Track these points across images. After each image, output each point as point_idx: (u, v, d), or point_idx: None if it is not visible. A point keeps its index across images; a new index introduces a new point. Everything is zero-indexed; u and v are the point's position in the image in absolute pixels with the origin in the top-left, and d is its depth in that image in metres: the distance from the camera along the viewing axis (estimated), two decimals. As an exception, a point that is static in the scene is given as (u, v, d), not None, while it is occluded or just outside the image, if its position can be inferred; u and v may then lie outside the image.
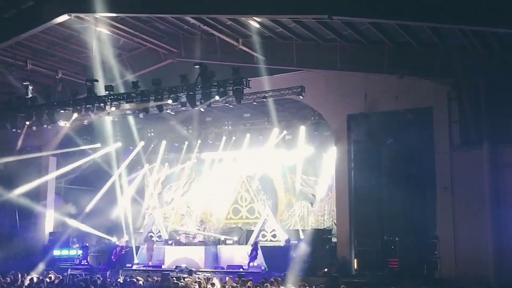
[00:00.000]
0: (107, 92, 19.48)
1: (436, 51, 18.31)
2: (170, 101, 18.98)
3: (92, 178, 27.41)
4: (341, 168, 20.79)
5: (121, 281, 17.48)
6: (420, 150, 19.55)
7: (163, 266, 23.33)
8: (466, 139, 18.37)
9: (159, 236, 26.54)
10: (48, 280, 17.36)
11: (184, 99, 19.22)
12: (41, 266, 21.97)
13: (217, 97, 18.60)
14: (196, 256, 23.31)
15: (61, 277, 18.26)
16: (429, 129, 19.13)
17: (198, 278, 17.93)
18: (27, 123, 21.71)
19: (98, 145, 26.32)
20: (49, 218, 25.89)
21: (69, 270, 20.78)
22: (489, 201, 17.64)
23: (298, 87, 19.86)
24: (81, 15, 18.96)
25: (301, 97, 20.03)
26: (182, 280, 16.81)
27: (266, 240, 24.29)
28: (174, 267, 22.27)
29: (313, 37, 19.38)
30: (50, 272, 19.45)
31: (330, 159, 24.27)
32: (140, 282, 16.49)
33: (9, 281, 17.51)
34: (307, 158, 24.92)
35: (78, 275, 19.84)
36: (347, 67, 19.79)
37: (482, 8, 14.39)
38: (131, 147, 27.18)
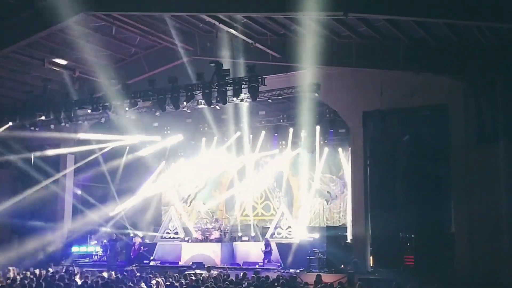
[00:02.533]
0: (124, 90, 19.72)
1: (452, 48, 18.20)
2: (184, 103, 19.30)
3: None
4: (357, 165, 20.76)
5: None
6: (436, 147, 19.46)
7: (179, 263, 23.52)
8: (482, 136, 18.25)
9: (176, 233, 26.71)
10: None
11: (200, 97, 19.39)
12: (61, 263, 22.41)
13: (234, 99, 18.79)
14: (212, 252, 23.46)
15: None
16: (445, 126, 19.04)
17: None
18: (45, 121, 22.03)
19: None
20: (67, 215, 26.16)
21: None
22: (505, 198, 17.54)
23: (314, 85, 19.90)
24: (97, 13, 19.13)
25: (316, 94, 20.07)
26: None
27: (282, 237, 24.35)
28: (191, 263, 22.45)
29: (328, 34, 19.37)
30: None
31: (345, 156, 24.32)
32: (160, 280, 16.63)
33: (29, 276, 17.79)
34: (322, 155, 24.93)
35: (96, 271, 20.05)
36: (362, 64, 19.76)
37: (499, 4, 14.30)
38: (148, 145, 27.35)
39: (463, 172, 18.50)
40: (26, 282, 15.24)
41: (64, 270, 19.87)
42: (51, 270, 19.64)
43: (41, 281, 16.05)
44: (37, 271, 18.59)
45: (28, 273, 18.27)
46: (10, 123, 22.94)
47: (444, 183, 19.12)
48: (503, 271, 17.11)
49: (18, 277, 17.06)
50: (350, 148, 22.09)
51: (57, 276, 16.99)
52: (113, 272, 19.03)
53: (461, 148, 18.64)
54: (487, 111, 18.02)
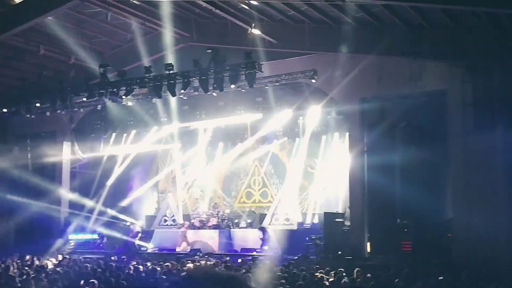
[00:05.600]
0: (120, 77, 19.61)
1: (450, 34, 18.14)
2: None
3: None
4: (354, 151, 20.71)
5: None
6: (433, 133, 19.42)
7: (177, 250, 23.54)
8: (480, 122, 18.19)
9: (174, 220, 26.72)
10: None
11: (196, 83, 19.29)
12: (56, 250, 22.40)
13: (232, 86, 18.68)
14: (210, 239, 23.51)
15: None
16: (443, 112, 18.99)
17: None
18: (40, 108, 21.93)
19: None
20: (65, 203, 26.12)
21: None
22: (502, 184, 17.55)
23: (311, 71, 19.84)
24: None
25: (313, 80, 20.00)
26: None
27: (280, 224, 24.36)
28: (189, 250, 22.46)
29: (325, 19, 19.25)
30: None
31: (343, 142, 24.27)
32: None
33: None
34: (320, 141, 24.88)
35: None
36: (359, 50, 19.68)
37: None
38: (144, 133, 27.25)
39: (460, 158, 18.47)
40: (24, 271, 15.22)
41: (61, 258, 19.86)
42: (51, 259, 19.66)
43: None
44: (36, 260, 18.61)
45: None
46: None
47: (442, 169, 19.10)
48: (501, 257, 17.14)
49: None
50: (347, 134, 22.03)
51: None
52: (112, 258, 19.06)
53: (459, 134, 18.58)
54: (484, 97, 17.98)
